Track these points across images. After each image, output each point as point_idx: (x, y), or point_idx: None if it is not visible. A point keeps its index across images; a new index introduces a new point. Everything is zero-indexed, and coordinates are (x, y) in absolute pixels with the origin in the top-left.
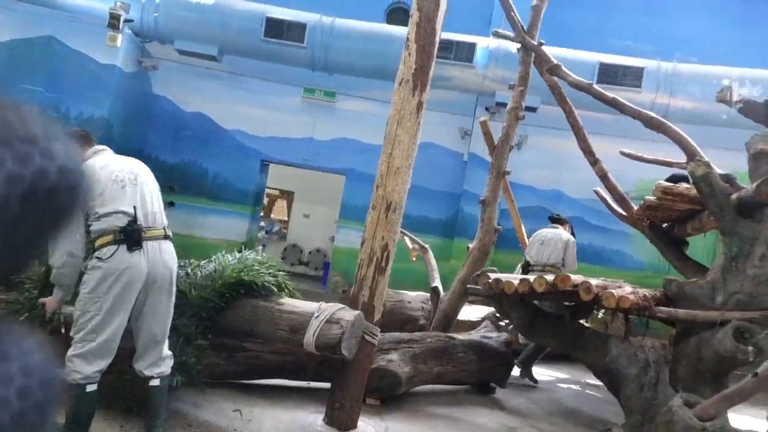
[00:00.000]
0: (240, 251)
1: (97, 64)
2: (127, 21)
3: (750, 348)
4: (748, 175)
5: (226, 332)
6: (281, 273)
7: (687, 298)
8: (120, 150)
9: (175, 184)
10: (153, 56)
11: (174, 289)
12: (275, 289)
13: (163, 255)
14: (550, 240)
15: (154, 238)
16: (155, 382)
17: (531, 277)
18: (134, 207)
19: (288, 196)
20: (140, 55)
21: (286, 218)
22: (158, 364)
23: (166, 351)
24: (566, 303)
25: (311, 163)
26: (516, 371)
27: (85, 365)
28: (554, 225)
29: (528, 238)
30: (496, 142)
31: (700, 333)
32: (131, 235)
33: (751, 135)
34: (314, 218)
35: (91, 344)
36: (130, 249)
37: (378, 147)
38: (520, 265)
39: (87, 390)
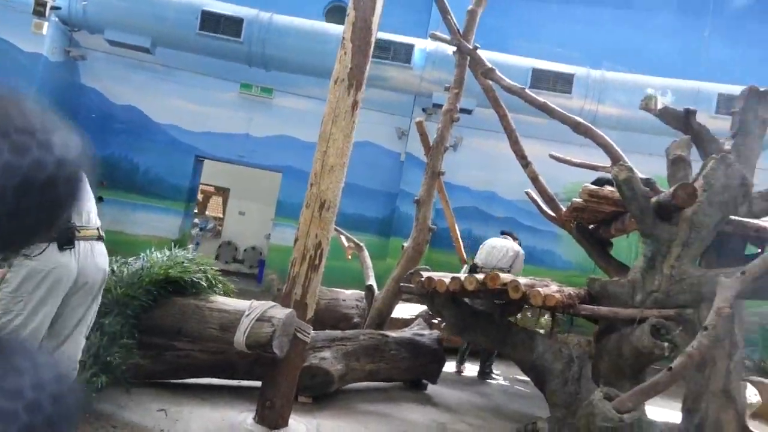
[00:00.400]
0: (171, 249)
1: (21, 53)
2: (53, 8)
3: (666, 344)
4: (667, 179)
5: (155, 331)
6: (212, 270)
7: (609, 296)
8: None
9: (104, 178)
10: (81, 46)
11: (100, 293)
12: (205, 286)
13: (96, 257)
14: (502, 247)
15: (87, 238)
16: None
17: (462, 276)
18: None
19: (223, 192)
20: (68, 45)
21: (221, 215)
22: (76, 368)
23: (77, 357)
24: (496, 301)
25: (247, 160)
26: (448, 368)
27: None
28: (505, 237)
29: (461, 237)
30: (431, 143)
31: (620, 330)
32: (63, 234)
33: (671, 141)
34: (250, 215)
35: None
36: (61, 248)
37: (314, 145)
38: (466, 266)
39: None
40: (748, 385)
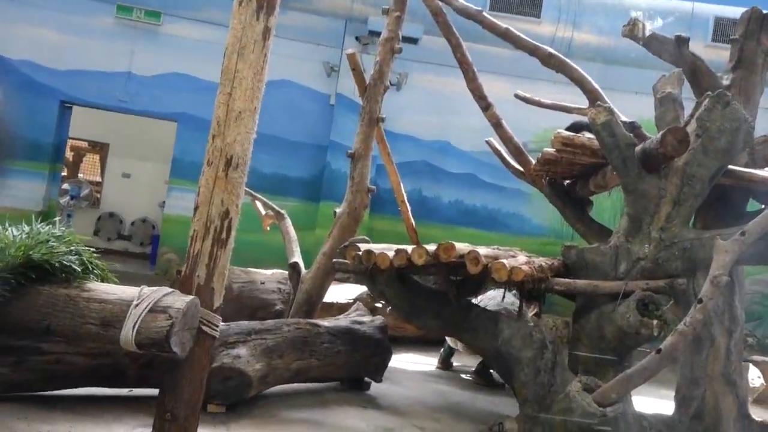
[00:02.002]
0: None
1: None
2: None
3: (654, 321)
4: (655, 123)
5: (13, 330)
6: (88, 251)
7: (588, 266)
8: None
9: None
10: None
11: None
12: (79, 271)
13: None
14: None
15: None
16: None
17: (408, 248)
18: None
19: (101, 149)
20: None
21: (98, 179)
22: None
23: None
24: (452, 277)
25: (130, 106)
26: (395, 362)
27: None
28: None
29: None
30: (368, 81)
31: (601, 307)
32: None
33: (659, 76)
34: (137, 178)
35: None
36: None
37: (218, 86)
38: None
39: None
40: (751, 366)
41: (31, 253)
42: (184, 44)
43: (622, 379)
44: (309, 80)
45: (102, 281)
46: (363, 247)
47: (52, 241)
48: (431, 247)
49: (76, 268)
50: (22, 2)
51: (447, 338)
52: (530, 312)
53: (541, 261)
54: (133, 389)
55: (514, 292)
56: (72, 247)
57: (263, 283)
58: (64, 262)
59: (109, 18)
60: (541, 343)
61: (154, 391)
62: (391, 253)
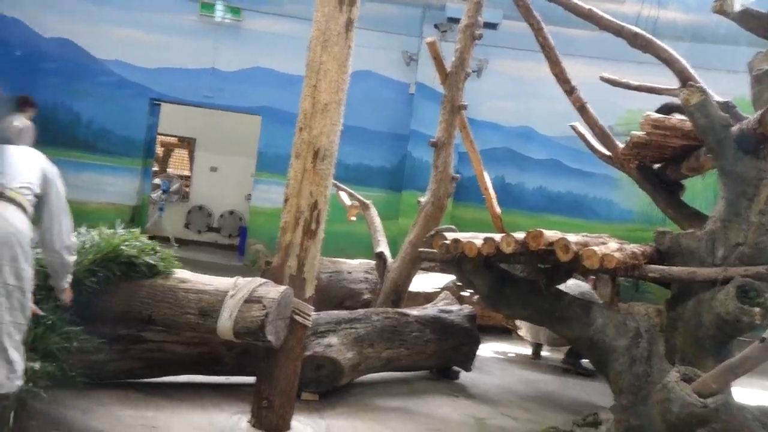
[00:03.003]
0: (132, 218)
1: None
2: None
3: (756, 309)
4: (751, 102)
5: (118, 320)
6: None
7: (683, 253)
8: None
9: (36, 133)
10: None
11: (2, 263)
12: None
13: None
14: None
15: None
16: None
17: (496, 236)
18: None
19: (188, 144)
20: None
21: (187, 173)
22: None
23: (8, 356)
24: (540, 265)
25: (215, 101)
26: (483, 351)
27: None
28: None
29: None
30: (448, 69)
31: (698, 294)
32: None
33: (755, 53)
34: (224, 172)
35: None
36: None
37: (300, 78)
38: None
39: None
40: None
41: (123, 248)
42: (265, 39)
43: (724, 369)
44: (388, 70)
45: None
46: (450, 235)
47: (134, 240)
48: (519, 235)
49: (154, 262)
50: (112, 5)
51: (520, 331)
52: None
53: (633, 247)
54: (230, 377)
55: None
56: (151, 247)
57: (350, 273)
58: (147, 259)
59: (193, 16)
60: (636, 331)
61: (250, 379)
62: (478, 242)
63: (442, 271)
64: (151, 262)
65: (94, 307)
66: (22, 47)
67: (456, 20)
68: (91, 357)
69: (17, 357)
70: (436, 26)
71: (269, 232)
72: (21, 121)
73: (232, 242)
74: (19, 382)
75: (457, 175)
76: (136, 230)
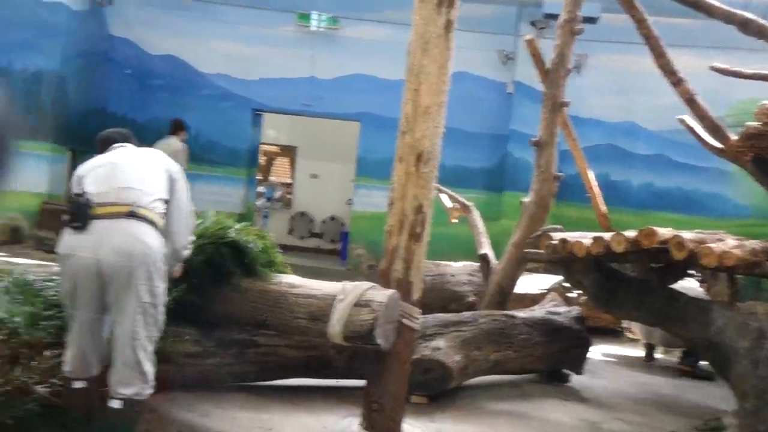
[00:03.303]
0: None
1: (40, 4)
2: None
3: None
4: None
5: (232, 324)
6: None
7: None
8: (75, 110)
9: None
10: None
11: (138, 282)
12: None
13: (114, 236)
14: None
15: (109, 216)
16: (114, 404)
17: (606, 235)
18: (81, 178)
19: (289, 152)
20: None
21: (289, 180)
22: (125, 382)
23: (142, 368)
24: (653, 264)
25: (315, 109)
26: (593, 353)
27: (66, 360)
28: None
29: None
30: (548, 66)
31: None
32: (73, 212)
33: None
34: (324, 178)
35: (69, 335)
36: (73, 229)
37: (398, 83)
38: None
39: (73, 386)
40: None
41: (229, 233)
42: (363, 45)
43: None
44: (484, 70)
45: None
46: (557, 235)
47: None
48: (630, 234)
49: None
50: (214, 21)
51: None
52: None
53: (753, 244)
54: (340, 380)
55: None
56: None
57: (453, 276)
58: (251, 246)
59: (290, 27)
60: (759, 332)
61: (360, 382)
62: (587, 241)
63: (548, 272)
64: (256, 249)
65: (211, 313)
66: (132, 65)
67: (553, 16)
68: (207, 361)
69: (149, 368)
70: (532, 23)
71: (370, 236)
72: (176, 144)
73: (335, 247)
74: (150, 391)
75: (561, 174)
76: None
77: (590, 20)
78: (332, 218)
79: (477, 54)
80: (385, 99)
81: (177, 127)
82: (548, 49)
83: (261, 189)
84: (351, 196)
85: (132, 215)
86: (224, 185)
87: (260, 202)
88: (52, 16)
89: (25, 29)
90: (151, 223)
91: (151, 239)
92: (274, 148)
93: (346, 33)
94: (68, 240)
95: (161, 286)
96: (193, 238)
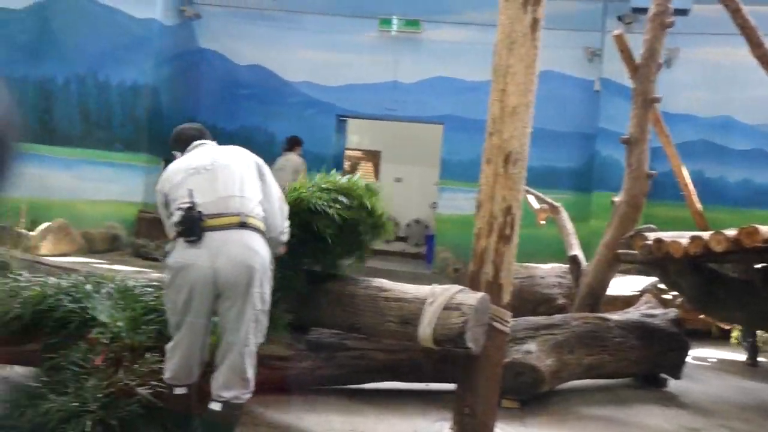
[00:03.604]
0: None
1: (133, 20)
2: None
3: None
4: None
5: (323, 328)
6: None
7: None
8: (168, 121)
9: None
10: (194, 2)
11: (254, 290)
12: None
13: (230, 248)
14: None
15: (221, 227)
16: (214, 406)
17: (704, 235)
18: (190, 191)
19: (373, 157)
20: (181, 3)
21: None
22: (228, 385)
23: (246, 374)
24: (756, 265)
25: (398, 113)
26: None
27: (168, 368)
28: None
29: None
30: (637, 61)
31: None
32: (185, 225)
33: None
34: (408, 182)
35: (170, 344)
36: (188, 242)
37: (481, 85)
38: None
39: (174, 392)
40: None
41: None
42: (444, 48)
43: None
44: (570, 68)
45: None
46: (651, 236)
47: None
48: (731, 232)
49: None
50: (298, 30)
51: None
52: None
53: None
54: (429, 384)
55: None
56: None
57: (543, 278)
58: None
59: (372, 32)
60: None
61: (450, 386)
62: (684, 241)
63: (641, 273)
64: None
65: (302, 317)
66: (221, 76)
67: (641, 10)
68: (298, 364)
69: (251, 374)
70: (619, 18)
71: (456, 239)
72: (296, 159)
73: (419, 250)
74: (249, 395)
75: (654, 172)
76: None
77: (681, 12)
78: (417, 221)
79: (563, 52)
80: (467, 101)
81: (294, 143)
82: (637, 44)
83: None
84: (435, 200)
85: (243, 225)
86: None
87: None
88: (145, 31)
89: (120, 44)
90: (260, 231)
91: (263, 248)
92: (358, 153)
93: (428, 36)
94: (182, 252)
95: (269, 293)
96: (288, 222)
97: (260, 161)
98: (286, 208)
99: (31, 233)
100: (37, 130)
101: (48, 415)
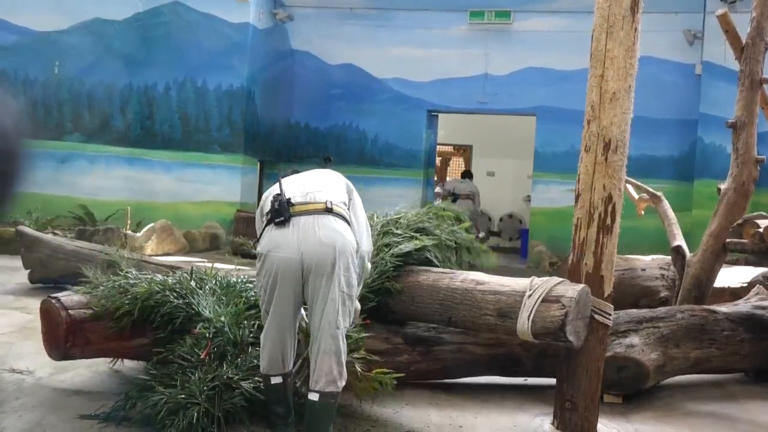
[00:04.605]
0: None
1: (228, 25)
2: None
3: None
4: None
5: (417, 322)
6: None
7: None
8: (263, 123)
9: (331, 154)
10: (286, 5)
11: (339, 272)
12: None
13: (319, 229)
14: None
15: (308, 212)
16: (312, 397)
17: None
18: (279, 183)
19: (465, 151)
20: (273, 6)
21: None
22: (323, 374)
23: (339, 358)
24: None
25: (489, 106)
26: None
27: (262, 357)
28: None
29: None
30: (743, 42)
31: None
32: (276, 210)
33: None
34: (501, 175)
35: (262, 333)
36: (277, 224)
37: (573, 74)
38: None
39: (271, 382)
40: None
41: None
42: (535, 38)
43: None
44: (669, 52)
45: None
46: (763, 223)
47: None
48: None
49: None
50: (388, 27)
51: None
52: None
53: None
54: (528, 378)
55: None
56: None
57: (644, 270)
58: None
59: (463, 25)
60: None
61: (549, 380)
62: None
63: (749, 264)
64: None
65: (398, 311)
66: (314, 76)
67: None
68: (395, 359)
69: (344, 359)
70: None
71: (551, 233)
72: (474, 186)
73: (514, 245)
74: (343, 383)
75: (762, 158)
76: None
77: None
78: (510, 216)
79: (661, 36)
80: (560, 91)
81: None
82: (742, 25)
83: (438, 189)
84: (528, 192)
85: (329, 211)
86: (403, 186)
87: (437, 202)
88: (239, 36)
89: (216, 50)
90: (345, 219)
91: (347, 232)
92: (449, 149)
93: (518, 26)
94: (271, 236)
95: (355, 278)
96: (372, 248)
97: (349, 184)
98: (369, 232)
99: (137, 234)
100: (140, 135)
101: (157, 407)
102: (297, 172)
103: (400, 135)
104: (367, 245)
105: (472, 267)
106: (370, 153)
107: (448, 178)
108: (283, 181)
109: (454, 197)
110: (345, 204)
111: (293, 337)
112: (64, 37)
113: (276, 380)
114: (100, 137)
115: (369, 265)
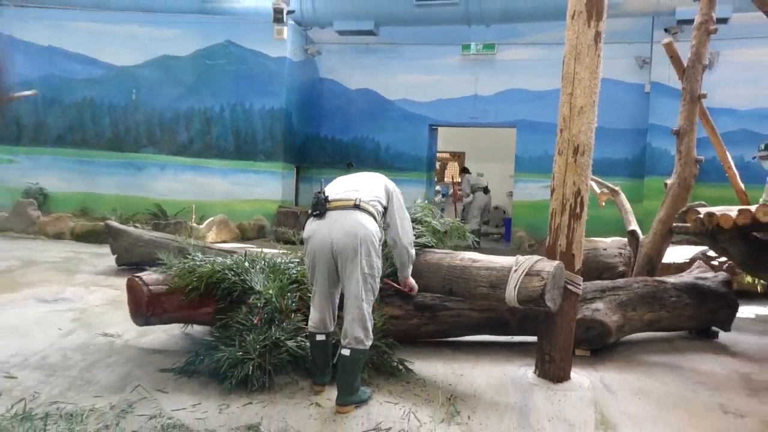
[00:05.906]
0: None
1: (269, 59)
2: (289, 13)
3: None
4: None
5: (427, 292)
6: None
7: None
8: (298, 136)
9: (352, 160)
10: (315, 42)
11: (362, 256)
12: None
13: (345, 221)
14: None
15: (339, 207)
16: (344, 351)
17: (752, 207)
18: (321, 183)
19: (459, 157)
20: (305, 43)
21: (459, 180)
22: (352, 334)
23: (365, 323)
24: None
25: (479, 121)
26: (741, 314)
27: (310, 319)
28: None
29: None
30: (685, 64)
31: None
32: (315, 204)
33: None
34: (489, 175)
35: (311, 301)
36: (315, 216)
37: (548, 93)
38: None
39: (316, 339)
40: None
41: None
42: (515, 65)
43: None
44: (623, 75)
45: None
46: (703, 210)
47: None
48: None
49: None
50: (396, 57)
51: None
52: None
53: None
54: (514, 336)
55: None
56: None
57: (605, 250)
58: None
59: (457, 56)
60: None
61: (531, 338)
62: (733, 213)
63: (689, 243)
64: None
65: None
66: (338, 99)
67: (685, 22)
68: (408, 322)
69: (369, 324)
70: (666, 30)
71: (529, 221)
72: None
73: (499, 231)
74: (370, 342)
75: (701, 158)
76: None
77: (722, 21)
78: (496, 208)
79: (618, 61)
80: (537, 107)
81: (467, 170)
82: (683, 51)
83: (438, 188)
84: (511, 189)
85: (356, 207)
86: (410, 186)
87: (438, 198)
88: (278, 67)
89: (260, 79)
90: (370, 213)
91: (370, 224)
92: (446, 155)
93: (502, 56)
94: (310, 226)
95: (378, 262)
96: (413, 238)
97: (390, 185)
98: (409, 224)
99: (200, 226)
100: (201, 147)
101: (220, 362)
102: (352, 166)
103: (408, 144)
104: (406, 237)
105: (459, 247)
106: (383, 159)
107: (446, 179)
108: (334, 181)
109: (485, 189)
110: (379, 202)
111: (333, 305)
112: (139, 70)
113: (320, 338)
114: (169, 149)
115: (413, 252)
